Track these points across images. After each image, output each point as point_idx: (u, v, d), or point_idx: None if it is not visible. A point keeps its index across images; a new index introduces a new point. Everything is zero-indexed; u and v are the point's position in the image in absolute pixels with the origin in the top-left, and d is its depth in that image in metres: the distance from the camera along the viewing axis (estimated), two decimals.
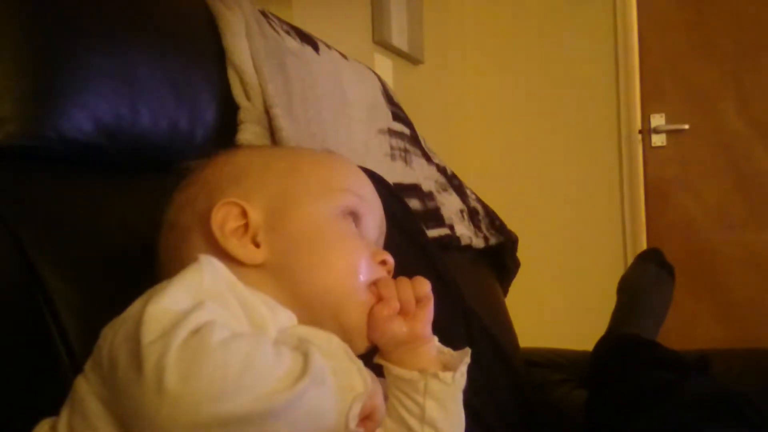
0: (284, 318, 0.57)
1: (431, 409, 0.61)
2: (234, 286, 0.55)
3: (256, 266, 0.59)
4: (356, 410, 0.48)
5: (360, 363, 0.53)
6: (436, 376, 0.61)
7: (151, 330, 0.46)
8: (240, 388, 0.44)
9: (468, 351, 0.64)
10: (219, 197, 0.60)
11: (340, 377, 0.49)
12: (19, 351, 0.63)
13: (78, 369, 0.58)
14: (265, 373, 0.45)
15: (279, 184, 0.63)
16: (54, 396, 0.53)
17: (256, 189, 0.62)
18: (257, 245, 0.60)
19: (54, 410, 0.52)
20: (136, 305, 0.50)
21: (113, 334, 0.49)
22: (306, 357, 0.47)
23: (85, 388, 0.50)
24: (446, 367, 0.63)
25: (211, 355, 0.44)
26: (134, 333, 0.46)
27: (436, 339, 0.64)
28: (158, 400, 0.43)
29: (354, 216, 0.64)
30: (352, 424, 0.48)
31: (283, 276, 0.59)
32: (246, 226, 0.60)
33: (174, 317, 0.46)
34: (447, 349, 0.65)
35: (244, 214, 0.60)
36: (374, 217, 0.67)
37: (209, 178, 0.63)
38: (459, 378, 0.63)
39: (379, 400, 0.53)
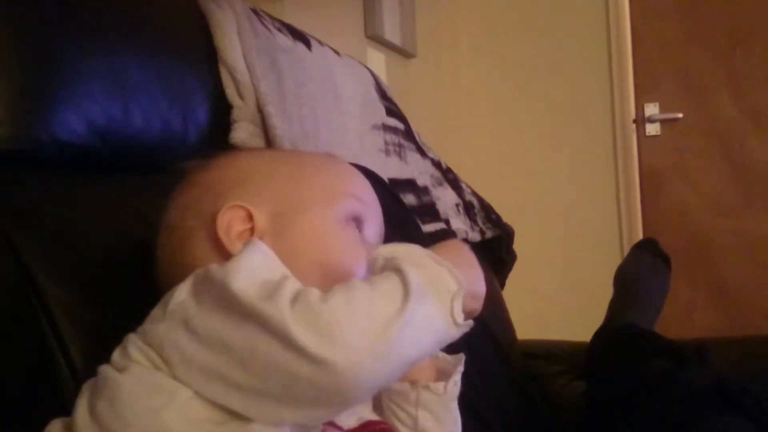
0: None
1: (424, 419, 0.62)
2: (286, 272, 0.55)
3: None
4: (458, 307, 0.52)
5: (448, 264, 0.55)
6: (427, 387, 0.62)
7: (252, 298, 0.47)
8: (376, 335, 0.47)
9: (462, 357, 0.64)
10: (224, 201, 0.60)
11: (435, 284, 0.52)
12: (15, 355, 0.63)
13: (74, 371, 0.58)
14: (379, 313, 0.48)
15: (284, 189, 0.62)
16: (51, 399, 0.53)
17: (261, 193, 0.61)
18: None
19: (51, 413, 0.52)
20: (180, 294, 0.51)
21: (165, 330, 0.49)
22: (400, 274, 0.50)
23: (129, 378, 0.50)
24: (440, 373, 0.63)
25: (342, 314, 0.47)
26: (246, 310, 0.47)
27: None
28: (314, 370, 0.45)
29: (357, 221, 0.64)
30: (459, 320, 0.52)
31: None
32: (251, 230, 0.60)
33: (263, 288, 0.48)
34: (442, 355, 0.65)
35: (249, 217, 0.60)
36: (375, 221, 0.66)
37: (212, 181, 0.63)
38: (452, 387, 0.63)
39: (473, 286, 0.57)
